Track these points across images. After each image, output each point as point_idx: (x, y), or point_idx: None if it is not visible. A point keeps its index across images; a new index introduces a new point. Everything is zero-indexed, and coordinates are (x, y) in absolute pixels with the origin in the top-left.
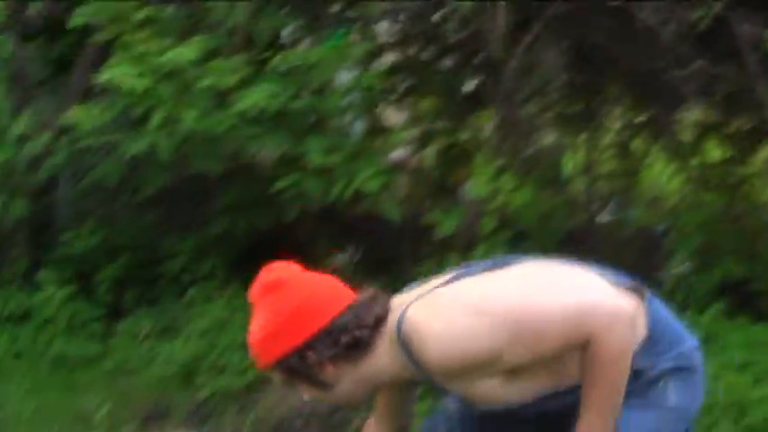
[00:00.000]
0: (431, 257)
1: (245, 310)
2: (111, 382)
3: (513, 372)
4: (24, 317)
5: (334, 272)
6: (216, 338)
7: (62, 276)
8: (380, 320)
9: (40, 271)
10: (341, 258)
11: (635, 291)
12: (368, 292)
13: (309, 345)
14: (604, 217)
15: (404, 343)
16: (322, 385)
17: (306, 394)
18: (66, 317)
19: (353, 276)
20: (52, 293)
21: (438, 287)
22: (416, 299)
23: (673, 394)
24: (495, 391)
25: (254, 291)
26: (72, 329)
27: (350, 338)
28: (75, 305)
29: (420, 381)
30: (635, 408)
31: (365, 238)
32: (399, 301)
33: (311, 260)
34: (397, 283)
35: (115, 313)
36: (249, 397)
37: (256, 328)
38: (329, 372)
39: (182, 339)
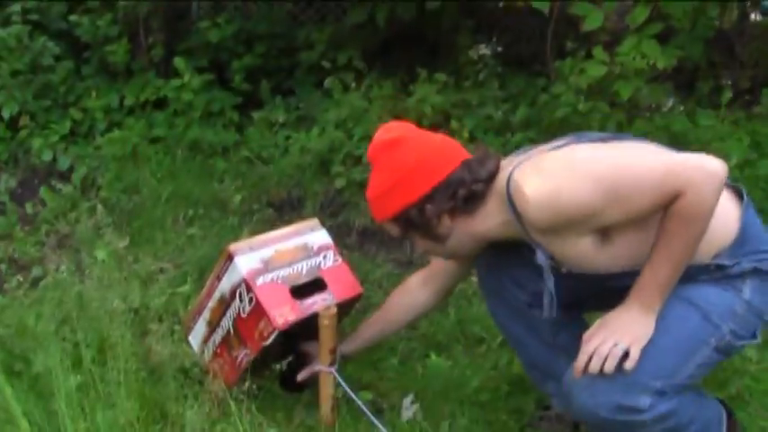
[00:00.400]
0: (574, 53)
1: (383, 101)
2: (247, 170)
3: (606, 236)
4: (160, 103)
5: (474, 64)
6: (352, 129)
7: (198, 64)
8: (493, 176)
9: (175, 58)
10: (482, 50)
11: (734, 189)
12: (480, 149)
13: (428, 198)
14: (757, 15)
15: (510, 199)
16: (436, 238)
17: (419, 247)
18: (202, 104)
19: (494, 70)
20: (188, 80)
21: (544, 151)
22: (524, 160)
23: (749, 290)
24: (587, 254)
25: (373, 148)
26: (208, 117)
27: (466, 192)
28: (211, 93)
29: (520, 239)
30: (713, 286)
31: (508, 31)
32: (509, 162)
33: (451, 51)
34: (539, 79)
35: (251, 102)
36: None
37: (376, 183)
38: (445, 224)
39: (317, 129)
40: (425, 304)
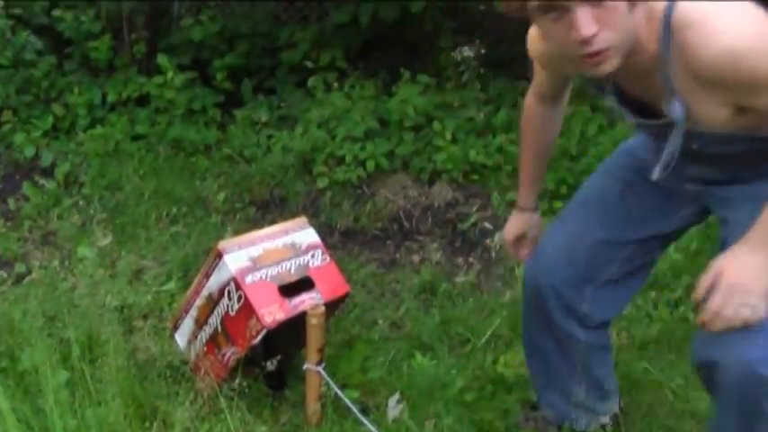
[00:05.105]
0: None
1: (365, 102)
2: (229, 168)
3: (743, 111)
4: (142, 101)
5: (457, 65)
6: (334, 129)
7: (180, 62)
8: None
9: (159, 56)
10: (465, 52)
11: None
12: None
13: None
14: None
15: (668, 28)
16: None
17: (588, 25)
18: (185, 102)
19: (476, 72)
20: (170, 78)
21: None
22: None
23: None
24: (717, 119)
25: None
26: (190, 115)
27: None
28: (194, 91)
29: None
30: None
31: (489, 33)
32: None
33: (433, 53)
34: (521, 81)
35: (233, 101)
36: (366, 189)
37: None
38: None
39: (300, 129)
40: (554, 114)
